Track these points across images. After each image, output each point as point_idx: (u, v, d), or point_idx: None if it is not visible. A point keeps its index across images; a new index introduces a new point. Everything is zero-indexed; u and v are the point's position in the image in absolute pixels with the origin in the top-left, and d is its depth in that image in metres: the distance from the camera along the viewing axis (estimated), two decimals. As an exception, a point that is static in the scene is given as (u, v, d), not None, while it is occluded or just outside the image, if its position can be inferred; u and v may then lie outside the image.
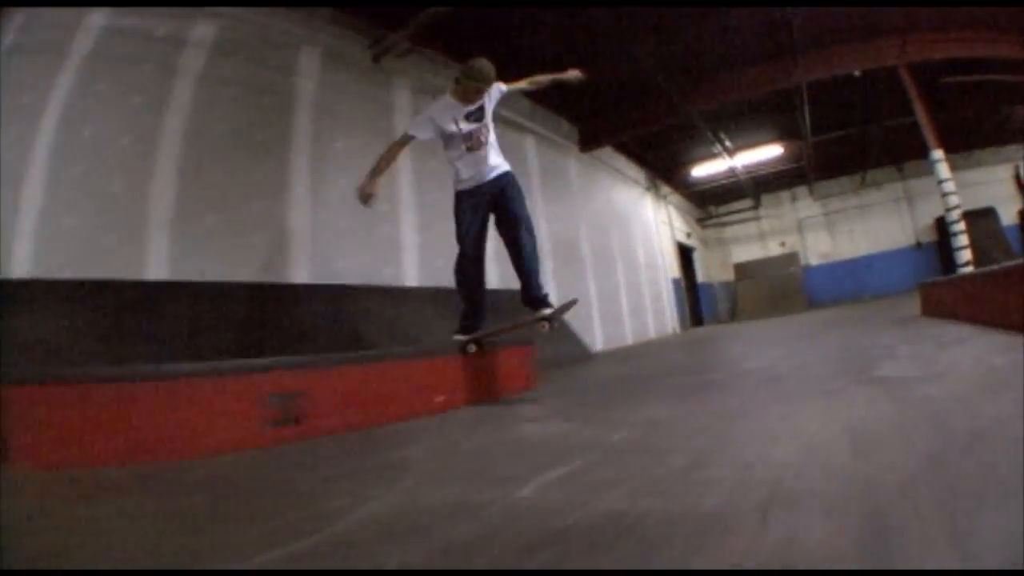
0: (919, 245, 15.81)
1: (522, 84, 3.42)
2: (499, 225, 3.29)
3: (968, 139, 13.13)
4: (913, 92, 8.48)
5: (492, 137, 3.29)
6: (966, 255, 7.94)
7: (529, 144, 8.13)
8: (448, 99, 3.24)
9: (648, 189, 13.03)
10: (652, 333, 10.72)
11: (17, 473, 1.73)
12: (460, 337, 3.25)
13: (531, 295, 3.22)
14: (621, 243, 10.22)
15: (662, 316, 11.88)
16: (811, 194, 16.86)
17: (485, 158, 3.23)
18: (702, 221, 17.74)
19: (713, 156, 12.43)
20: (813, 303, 15.80)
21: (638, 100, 8.88)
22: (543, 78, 3.40)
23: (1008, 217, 14.38)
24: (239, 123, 4.57)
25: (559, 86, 3.56)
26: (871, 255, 16.25)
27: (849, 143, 13.14)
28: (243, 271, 4.29)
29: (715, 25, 7.33)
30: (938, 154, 8.24)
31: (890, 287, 15.19)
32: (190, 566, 0.95)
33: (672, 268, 13.64)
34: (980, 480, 0.88)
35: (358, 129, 5.47)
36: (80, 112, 3.66)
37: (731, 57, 8.28)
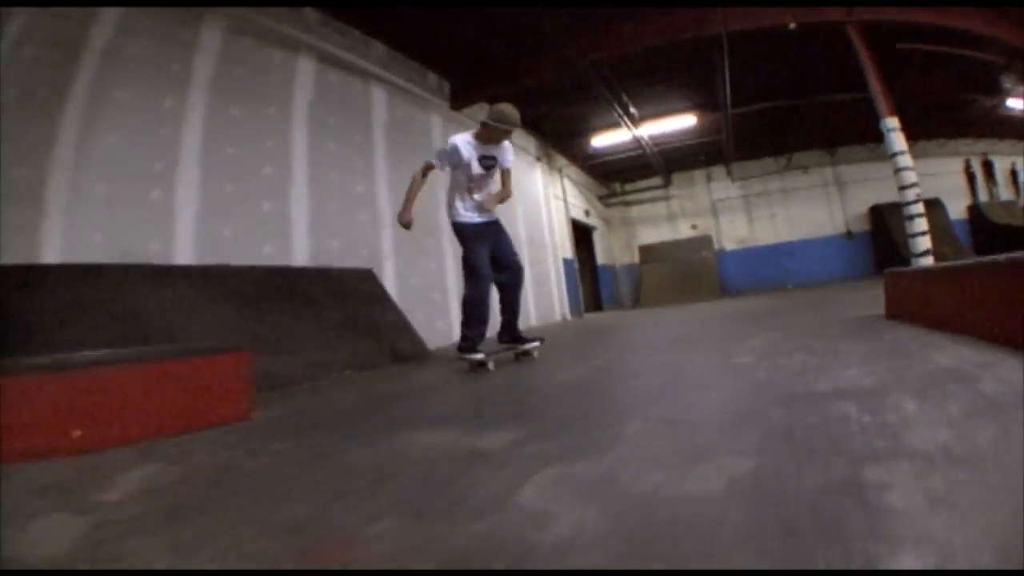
0: (850, 234, 16.45)
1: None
2: (496, 267, 3.93)
3: (915, 128, 13.68)
4: (863, 52, 7.79)
5: (495, 187, 4.03)
6: (925, 242, 7.16)
7: (378, 96, 7.34)
8: (471, 139, 3.86)
9: (539, 159, 12.60)
10: (533, 320, 10.44)
11: None
12: (475, 356, 3.67)
13: (514, 334, 4.05)
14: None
15: (548, 301, 11.59)
16: (729, 174, 17.11)
17: (482, 203, 3.89)
18: (605, 199, 17.66)
19: (617, 125, 12.02)
20: (727, 290, 16.13)
21: (522, 49, 8.21)
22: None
23: (955, 211, 15.15)
24: None
25: None
26: (793, 242, 16.71)
27: (775, 118, 13.07)
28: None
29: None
30: (892, 122, 7.45)
31: (815, 276, 15.74)
32: None
33: (565, 248, 13.38)
34: None
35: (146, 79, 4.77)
36: None
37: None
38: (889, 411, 1.38)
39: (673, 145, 14.40)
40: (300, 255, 5.69)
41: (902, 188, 7.31)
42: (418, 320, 6.73)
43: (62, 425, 2.17)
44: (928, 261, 6.85)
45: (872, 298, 4.72)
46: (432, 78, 8.59)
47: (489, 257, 3.89)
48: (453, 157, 3.78)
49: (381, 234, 6.74)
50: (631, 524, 0.93)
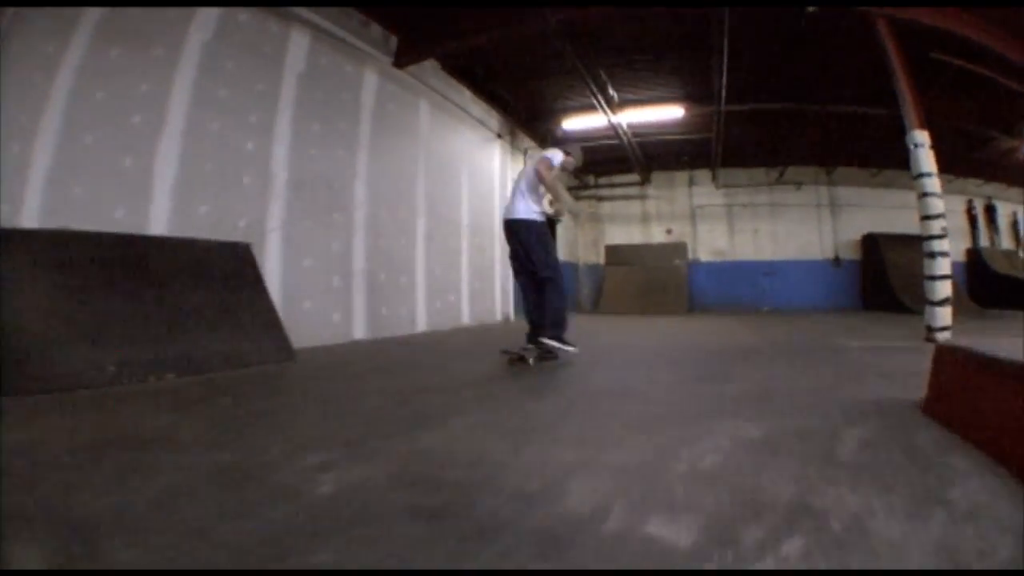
0: (837, 261, 16.35)
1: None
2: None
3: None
4: (893, 50, 6.96)
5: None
6: (945, 288, 6.28)
7: (298, 41, 6.67)
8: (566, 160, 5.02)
9: (500, 136, 12.04)
10: (467, 319, 9.95)
11: None
12: (572, 348, 4.72)
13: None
14: (433, 193, 9.05)
15: (488, 298, 11.06)
16: (714, 180, 16.87)
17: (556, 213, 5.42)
18: (575, 191, 17.15)
19: (592, 108, 11.46)
20: (695, 305, 15.95)
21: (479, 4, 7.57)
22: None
23: (954, 253, 15.11)
24: None
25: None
26: (775, 261, 16.57)
27: (773, 123, 12.71)
28: None
29: None
30: (921, 136, 6.59)
31: (794, 302, 15.70)
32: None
33: (518, 239, 12.92)
34: None
35: None
36: None
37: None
38: None
39: (655, 139, 13.97)
40: (158, 222, 5.04)
41: (926, 218, 6.49)
42: (304, 311, 6.20)
43: None
44: (947, 312, 6.22)
45: (876, 352, 4.38)
46: (376, 30, 7.91)
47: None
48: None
49: (271, 203, 6.11)
50: None
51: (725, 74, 9.53)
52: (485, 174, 11.34)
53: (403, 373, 4.52)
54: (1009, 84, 9.20)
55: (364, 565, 1.26)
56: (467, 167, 10.46)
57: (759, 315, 13.48)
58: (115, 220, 4.76)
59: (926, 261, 6.44)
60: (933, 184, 6.47)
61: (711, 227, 17.15)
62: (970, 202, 16.10)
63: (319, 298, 6.52)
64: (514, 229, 4.74)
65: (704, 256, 17.12)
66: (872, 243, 15.31)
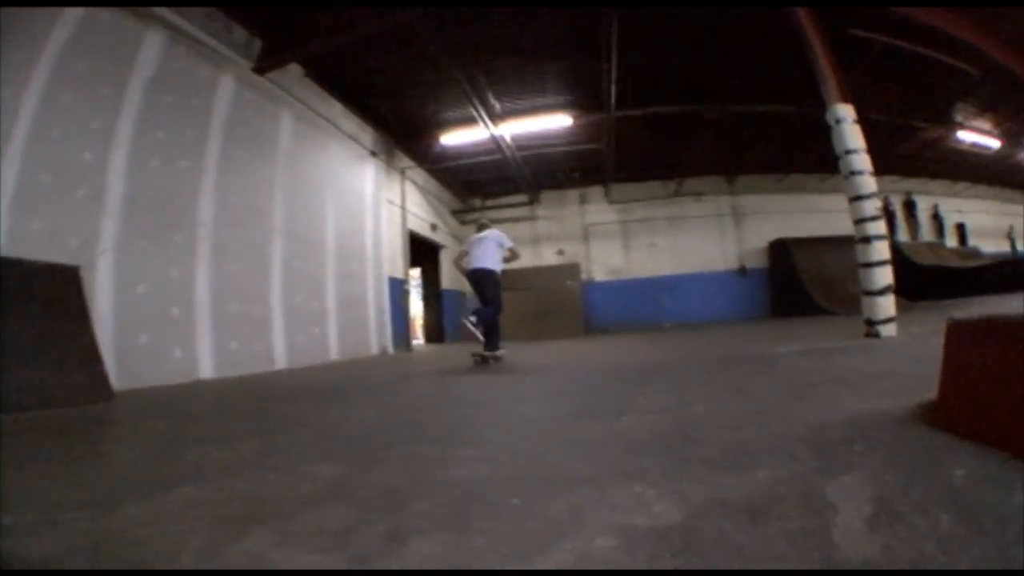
0: (743, 271, 17.38)
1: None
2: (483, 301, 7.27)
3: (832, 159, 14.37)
4: (807, 22, 6.94)
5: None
6: (886, 275, 6.12)
7: (152, 41, 6.60)
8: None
9: (375, 154, 12.13)
10: (335, 354, 9.73)
11: None
12: (501, 353, 7.18)
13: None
14: (293, 213, 8.95)
15: (361, 329, 10.92)
16: (607, 196, 17.67)
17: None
18: (461, 214, 17.62)
19: (472, 120, 11.78)
20: (592, 326, 16.43)
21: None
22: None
23: None
24: None
25: None
26: (676, 276, 17.38)
27: (670, 130, 12.99)
28: None
29: None
30: (843, 110, 6.46)
31: (698, 316, 16.30)
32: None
33: (396, 264, 12.92)
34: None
35: None
36: None
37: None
38: None
39: (542, 152, 14.29)
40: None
41: (857, 199, 6.22)
42: (140, 345, 5.95)
43: None
44: (889, 302, 6.03)
45: (814, 356, 4.12)
46: (240, 33, 7.85)
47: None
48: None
49: (103, 220, 5.85)
50: None
51: (615, 76, 9.77)
52: (356, 194, 11.29)
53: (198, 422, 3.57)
54: (939, 57, 9.71)
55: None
56: (333, 185, 10.41)
57: (662, 331, 13.69)
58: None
59: (860, 247, 6.23)
60: (862, 161, 6.27)
61: (605, 245, 17.99)
62: (886, 199, 17.14)
63: (157, 331, 6.24)
64: (484, 275, 7.17)
65: (599, 275, 17.92)
66: (781, 248, 16.32)
